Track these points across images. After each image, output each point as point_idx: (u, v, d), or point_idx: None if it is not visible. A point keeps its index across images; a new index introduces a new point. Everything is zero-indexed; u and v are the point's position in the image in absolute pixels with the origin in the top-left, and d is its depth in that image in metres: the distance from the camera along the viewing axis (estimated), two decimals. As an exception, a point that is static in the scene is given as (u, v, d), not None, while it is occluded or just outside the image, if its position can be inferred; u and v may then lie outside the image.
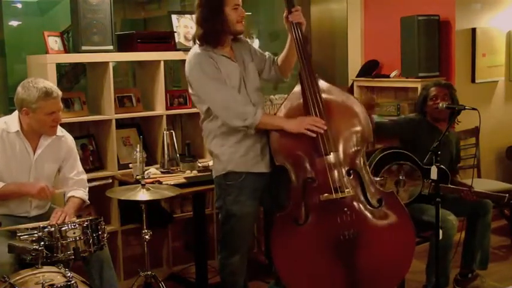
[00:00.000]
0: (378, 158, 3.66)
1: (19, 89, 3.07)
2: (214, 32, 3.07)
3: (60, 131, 3.26)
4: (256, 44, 4.07)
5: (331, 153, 3.06)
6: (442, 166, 3.65)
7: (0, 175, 3.09)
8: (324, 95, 3.12)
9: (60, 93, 3.11)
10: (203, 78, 3.06)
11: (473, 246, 3.79)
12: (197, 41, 3.14)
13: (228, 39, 3.15)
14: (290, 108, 3.12)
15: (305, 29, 3.17)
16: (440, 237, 3.23)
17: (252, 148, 3.13)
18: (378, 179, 3.47)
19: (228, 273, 3.27)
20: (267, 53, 3.35)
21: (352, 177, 3.10)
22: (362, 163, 3.14)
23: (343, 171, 3.08)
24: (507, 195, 3.64)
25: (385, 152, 3.70)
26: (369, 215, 3.10)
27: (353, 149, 3.13)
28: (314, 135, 3.02)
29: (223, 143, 3.13)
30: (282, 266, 3.07)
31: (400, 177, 3.64)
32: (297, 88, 3.15)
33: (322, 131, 3.02)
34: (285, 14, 3.15)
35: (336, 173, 3.05)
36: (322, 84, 3.16)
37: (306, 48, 3.16)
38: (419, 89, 4.79)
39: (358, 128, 3.15)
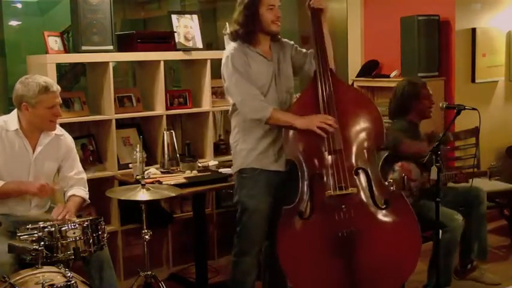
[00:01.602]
0: (381, 162, 3.66)
1: (18, 85, 3.09)
2: (248, 32, 3.17)
3: (59, 130, 3.26)
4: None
5: (340, 150, 3.07)
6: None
7: (0, 174, 3.09)
8: (337, 93, 3.13)
9: (59, 87, 3.14)
10: (230, 69, 3.15)
11: (469, 237, 3.81)
12: (231, 37, 3.24)
13: (265, 39, 3.23)
14: (302, 104, 3.16)
15: (325, 16, 3.22)
16: (440, 236, 3.23)
17: (270, 147, 3.20)
18: (386, 183, 3.45)
19: (239, 272, 3.30)
20: (310, 50, 3.37)
21: (360, 176, 3.10)
22: (372, 163, 3.14)
23: (351, 168, 3.09)
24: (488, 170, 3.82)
25: (385, 156, 3.69)
26: (373, 214, 3.09)
27: (363, 148, 3.14)
28: (325, 135, 3.04)
29: (244, 138, 3.22)
30: (285, 258, 3.07)
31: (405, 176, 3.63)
32: (311, 84, 3.18)
33: (332, 130, 3.04)
34: (307, 2, 3.23)
35: (342, 170, 3.06)
36: (337, 81, 3.18)
37: (323, 41, 3.20)
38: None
39: (371, 129, 3.16)
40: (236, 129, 3.28)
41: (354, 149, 3.12)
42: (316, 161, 3.10)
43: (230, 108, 3.29)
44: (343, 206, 3.04)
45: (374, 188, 3.11)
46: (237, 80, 3.13)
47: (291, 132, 3.12)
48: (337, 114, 3.09)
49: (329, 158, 3.07)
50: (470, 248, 3.84)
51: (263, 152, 3.20)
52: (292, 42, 3.37)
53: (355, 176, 3.09)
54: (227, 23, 4.11)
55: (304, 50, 3.37)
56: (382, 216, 3.10)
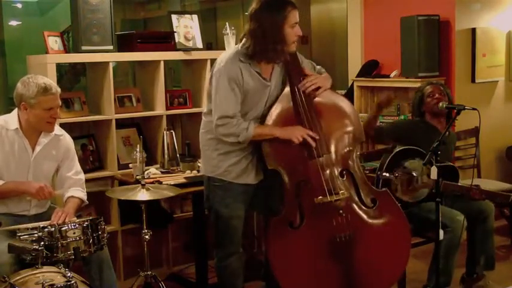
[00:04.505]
0: (391, 156, 3.64)
1: (18, 84, 3.09)
2: (266, 49, 2.97)
3: (59, 130, 3.27)
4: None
5: (324, 155, 3.05)
6: (450, 163, 3.65)
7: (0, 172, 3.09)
8: (313, 94, 3.09)
9: (59, 90, 3.12)
10: (220, 82, 2.98)
11: (474, 251, 3.78)
12: (242, 47, 3.03)
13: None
14: (280, 112, 3.08)
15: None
16: (441, 237, 3.23)
17: (241, 161, 3.11)
18: (392, 176, 3.43)
19: (228, 275, 3.26)
20: (318, 67, 3.31)
21: (345, 178, 3.10)
22: (355, 163, 3.13)
23: (337, 172, 3.08)
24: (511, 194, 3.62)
25: (398, 149, 3.67)
26: (363, 215, 3.10)
27: (345, 150, 3.12)
28: (297, 142, 2.98)
29: (217, 147, 3.11)
30: (279, 270, 3.05)
31: (414, 174, 3.60)
32: (286, 90, 3.11)
33: (314, 144, 3.00)
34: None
35: (329, 174, 3.04)
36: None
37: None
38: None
39: (350, 129, 3.14)
40: (209, 134, 3.13)
41: (338, 151, 3.10)
42: (301, 168, 3.05)
43: (207, 109, 3.15)
44: (341, 211, 3.03)
45: (360, 188, 3.11)
46: (223, 97, 2.96)
47: (271, 142, 3.02)
48: (317, 117, 3.06)
49: (315, 163, 3.03)
50: (475, 261, 3.78)
51: (233, 164, 3.10)
52: (300, 58, 3.20)
53: (342, 179, 3.08)
54: (227, 23, 4.12)
55: (311, 64, 3.29)
56: (373, 215, 3.11)
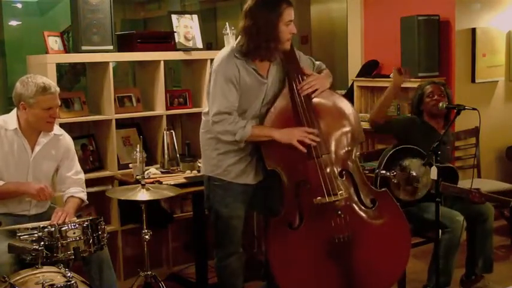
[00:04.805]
0: (389, 154, 3.64)
1: (17, 84, 3.09)
2: (259, 47, 2.95)
3: (58, 130, 3.26)
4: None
5: (323, 155, 3.04)
6: (450, 165, 3.65)
7: None
8: (313, 96, 3.08)
9: (58, 89, 3.12)
10: (217, 79, 2.99)
11: (473, 252, 3.78)
12: (237, 44, 3.01)
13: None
14: (279, 112, 3.06)
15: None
16: (440, 237, 3.23)
17: (240, 161, 3.10)
18: (389, 174, 3.42)
19: (228, 274, 3.25)
20: (318, 63, 3.29)
21: (344, 178, 3.08)
22: (354, 164, 3.12)
23: (336, 172, 3.07)
24: None
25: (397, 148, 3.66)
26: (363, 216, 3.09)
27: (344, 150, 3.10)
28: (304, 150, 2.97)
29: (217, 146, 3.11)
30: (278, 270, 3.05)
31: (414, 173, 3.58)
32: (285, 90, 3.09)
33: (314, 143, 2.99)
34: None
35: (328, 175, 3.02)
36: None
37: (292, 46, 3.10)
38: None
39: (349, 129, 3.12)
40: (209, 133, 3.12)
41: (337, 151, 3.08)
42: (300, 169, 3.04)
43: (206, 107, 3.12)
44: (340, 211, 3.02)
45: (359, 189, 3.10)
46: (220, 93, 2.96)
47: (270, 142, 3.00)
48: (316, 118, 3.04)
49: (314, 164, 3.01)
50: (474, 263, 3.78)
51: (233, 164, 3.09)
52: (298, 54, 3.18)
53: (341, 179, 3.07)
54: (227, 23, 4.12)
55: (311, 60, 3.27)
56: (373, 216, 3.10)
